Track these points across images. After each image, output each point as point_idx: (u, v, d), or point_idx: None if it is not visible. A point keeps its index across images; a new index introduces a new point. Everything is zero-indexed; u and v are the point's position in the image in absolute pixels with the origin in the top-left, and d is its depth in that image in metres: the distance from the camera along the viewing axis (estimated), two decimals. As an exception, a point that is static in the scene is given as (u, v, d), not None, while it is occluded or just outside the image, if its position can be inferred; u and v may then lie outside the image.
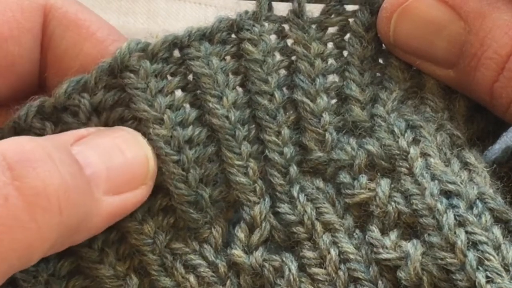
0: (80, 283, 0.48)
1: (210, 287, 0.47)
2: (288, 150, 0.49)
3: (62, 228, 0.40)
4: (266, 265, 0.47)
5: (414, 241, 0.46)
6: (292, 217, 0.48)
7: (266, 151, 0.49)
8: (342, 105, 0.50)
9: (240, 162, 0.48)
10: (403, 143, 0.48)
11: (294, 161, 0.49)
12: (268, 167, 0.48)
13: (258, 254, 0.47)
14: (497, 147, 0.53)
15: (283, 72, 0.50)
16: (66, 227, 0.41)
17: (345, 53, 0.51)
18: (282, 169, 0.48)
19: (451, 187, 0.46)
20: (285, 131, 0.49)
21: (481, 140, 0.51)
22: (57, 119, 0.47)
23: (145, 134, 0.47)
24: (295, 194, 0.48)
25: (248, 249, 0.48)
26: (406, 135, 0.48)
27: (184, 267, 0.47)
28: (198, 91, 0.48)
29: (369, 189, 0.48)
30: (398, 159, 0.48)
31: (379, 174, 0.48)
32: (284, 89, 0.50)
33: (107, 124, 0.47)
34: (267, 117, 0.49)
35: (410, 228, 0.47)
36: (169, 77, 0.48)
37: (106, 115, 0.47)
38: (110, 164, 0.44)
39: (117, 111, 0.47)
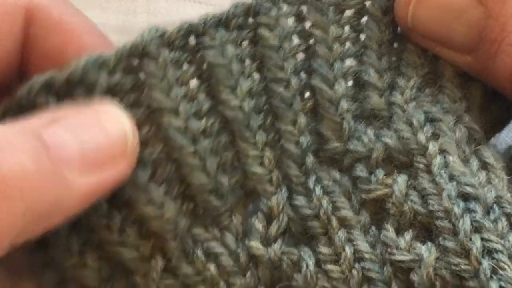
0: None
1: (230, 277, 0.46)
2: (305, 139, 0.47)
3: (28, 215, 0.39)
4: (285, 258, 0.46)
5: (429, 244, 0.45)
6: (308, 211, 0.46)
7: (282, 141, 0.47)
8: (359, 91, 0.49)
9: (255, 152, 0.47)
10: (422, 137, 0.47)
11: (311, 150, 0.48)
12: (284, 157, 0.47)
13: (277, 246, 0.46)
14: (498, 148, 0.52)
15: (301, 56, 0.49)
16: (33, 213, 0.40)
17: (362, 36, 0.50)
18: (298, 159, 0.47)
19: (469, 190, 0.45)
20: (302, 119, 0.47)
21: (493, 129, 0.51)
22: (66, 93, 0.45)
23: (157, 124, 0.46)
24: (311, 186, 0.47)
25: (267, 241, 0.46)
26: (425, 129, 0.47)
27: (205, 254, 0.46)
28: (212, 81, 0.47)
29: (385, 185, 0.47)
30: (416, 154, 0.47)
31: (396, 169, 0.47)
32: (302, 73, 0.49)
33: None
34: (283, 105, 0.47)
35: (425, 229, 0.46)
36: (185, 67, 0.47)
37: (119, 98, 0.46)
38: (84, 141, 0.43)
39: (131, 96, 0.46)
